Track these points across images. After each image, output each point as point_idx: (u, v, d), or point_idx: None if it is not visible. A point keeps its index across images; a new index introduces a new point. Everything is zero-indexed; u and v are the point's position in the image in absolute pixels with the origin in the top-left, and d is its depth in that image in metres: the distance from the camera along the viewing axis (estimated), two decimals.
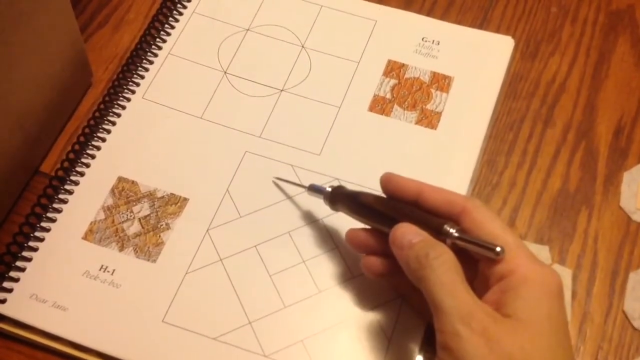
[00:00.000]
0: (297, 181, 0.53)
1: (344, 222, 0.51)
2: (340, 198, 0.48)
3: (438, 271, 0.39)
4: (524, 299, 0.38)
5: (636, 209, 0.53)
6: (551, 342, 0.37)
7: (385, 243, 0.44)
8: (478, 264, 0.41)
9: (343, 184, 0.53)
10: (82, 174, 0.53)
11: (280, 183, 0.53)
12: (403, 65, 0.58)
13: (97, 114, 0.55)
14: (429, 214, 0.43)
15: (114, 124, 0.55)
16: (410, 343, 0.47)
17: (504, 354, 0.36)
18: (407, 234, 0.41)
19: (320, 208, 0.51)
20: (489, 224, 0.41)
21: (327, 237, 0.51)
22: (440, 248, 0.40)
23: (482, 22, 0.61)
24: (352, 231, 0.47)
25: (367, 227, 0.47)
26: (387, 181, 0.46)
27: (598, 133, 0.56)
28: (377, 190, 0.52)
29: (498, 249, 0.39)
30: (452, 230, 0.41)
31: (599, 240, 0.52)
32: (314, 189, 0.50)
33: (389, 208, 0.45)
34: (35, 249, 0.50)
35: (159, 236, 0.51)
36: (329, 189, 0.49)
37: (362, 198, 0.47)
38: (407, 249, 0.41)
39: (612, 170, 0.55)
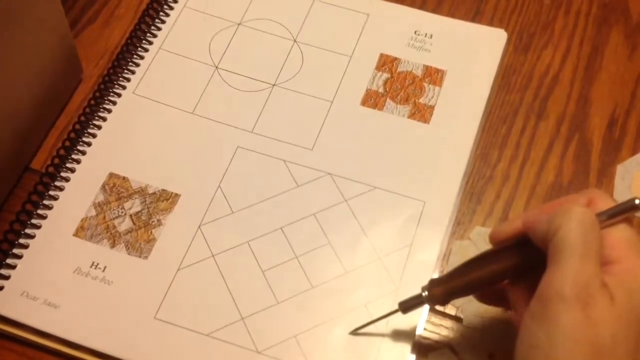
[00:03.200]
0: (292, 174, 0.52)
1: (336, 216, 0.51)
2: (448, 284, 0.43)
3: (583, 225, 0.37)
4: (627, 289, 0.37)
5: None
6: (637, 338, 0.36)
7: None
8: None
9: (335, 178, 0.52)
10: (72, 170, 0.52)
11: (362, 330, 0.47)
12: (395, 59, 0.58)
13: (87, 109, 0.55)
14: None
15: (104, 119, 0.55)
16: (403, 339, 0.47)
17: (594, 336, 0.35)
18: (542, 213, 0.39)
19: (313, 203, 0.51)
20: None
21: (320, 233, 0.50)
22: (596, 223, 0.38)
23: (474, 15, 0.61)
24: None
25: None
26: (498, 233, 0.42)
27: (591, 125, 0.56)
28: (366, 184, 0.52)
29: (637, 201, 0.38)
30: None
31: None
32: (409, 305, 0.44)
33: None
34: (25, 246, 0.49)
35: (151, 232, 0.50)
36: (425, 293, 0.43)
37: (470, 265, 0.42)
38: (566, 210, 0.38)
39: (605, 163, 0.54)
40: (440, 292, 0.43)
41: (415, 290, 0.44)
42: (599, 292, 0.36)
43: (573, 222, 0.37)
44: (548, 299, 0.36)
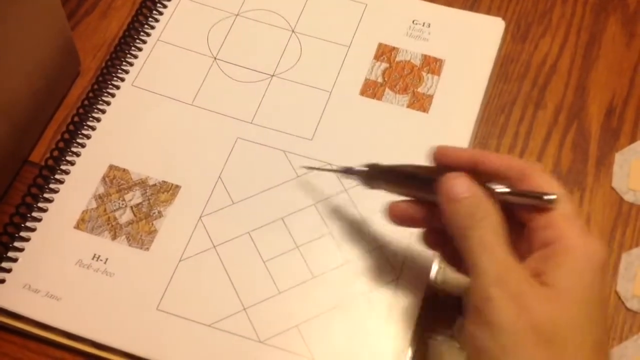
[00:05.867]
0: (292, 165, 0.52)
1: (338, 207, 0.51)
2: (380, 174, 0.46)
3: (481, 232, 0.37)
4: (565, 269, 0.36)
5: (628, 189, 0.53)
6: (585, 317, 0.36)
7: (427, 212, 0.43)
8: (525, 228, 0.40)
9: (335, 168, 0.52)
10: (72, 163, 0.52)
11: (309, 170, 0.52)
12: (394, 48, 0.58)
13: (86, 102, 0.55)
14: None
15: (103, 112, 0.55)
16: (404, 327, 0.47)
17: (533, 323, 0.35)
18: (458, 185, 0.39)
19: (314, 193, 0.51)
20: (549, 188, 0.39)
21: (321, 222, 0.51)
22: (487, 208, 0.38)
23: (472, 4, 0.61)
24: (393, 204, 0.44)
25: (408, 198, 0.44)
26: (442, 154, 0.43)
27: (589, 114, 0.56)
28: None
29: (547, 197, 0.37)
30: (497, 187, 0.39)
31: (592, 222, 0.52)
32: (349, 172, 0.47)
33: (439, 174, 0.42)
34: (27, 239, 0.49)
35: (152, 224, 0.50)
36: (366, 169, 0.46)
37: (407, 168, 0.44)
38: (454, 202, 0.39)
39: (603, 151, 0.55)
40: (370, 172, 0.45)
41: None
42: (524, 281, 0.36)
43: (474, 233, 0.38)
44: (481, 306, 0.36)
